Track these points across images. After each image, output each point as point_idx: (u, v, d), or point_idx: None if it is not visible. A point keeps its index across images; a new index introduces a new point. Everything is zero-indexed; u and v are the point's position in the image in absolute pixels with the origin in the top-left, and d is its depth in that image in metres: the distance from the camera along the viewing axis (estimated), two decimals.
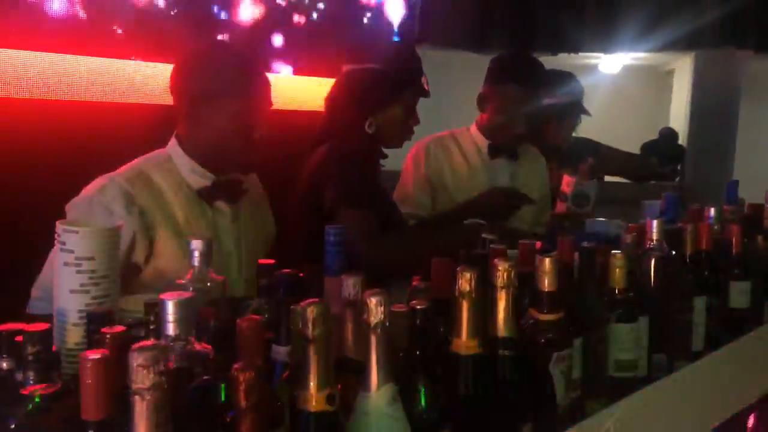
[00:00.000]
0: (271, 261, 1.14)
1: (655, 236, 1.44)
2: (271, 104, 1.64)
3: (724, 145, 7.46)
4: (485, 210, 2.11)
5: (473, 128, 2.38)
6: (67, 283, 1.05)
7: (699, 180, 7.07)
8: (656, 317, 1.40)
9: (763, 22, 7.34)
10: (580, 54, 8.19)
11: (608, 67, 8.83)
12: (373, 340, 0.87)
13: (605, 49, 8.13)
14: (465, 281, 1.00)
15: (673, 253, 1.48)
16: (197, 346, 0.77)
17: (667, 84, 8.89)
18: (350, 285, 0.96)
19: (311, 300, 0.81)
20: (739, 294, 1.67)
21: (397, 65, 2.00)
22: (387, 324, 0.87)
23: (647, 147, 7.59)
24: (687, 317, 1.48)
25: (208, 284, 1.10)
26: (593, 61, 8.73)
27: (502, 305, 1.06)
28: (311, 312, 0.80)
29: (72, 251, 1.04)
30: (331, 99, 2.02)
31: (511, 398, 1.04)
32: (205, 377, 0.72)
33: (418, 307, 0.96)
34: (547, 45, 8.07)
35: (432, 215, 2.20)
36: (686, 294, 1.49)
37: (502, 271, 1.06)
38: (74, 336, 1.05)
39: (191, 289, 1.07)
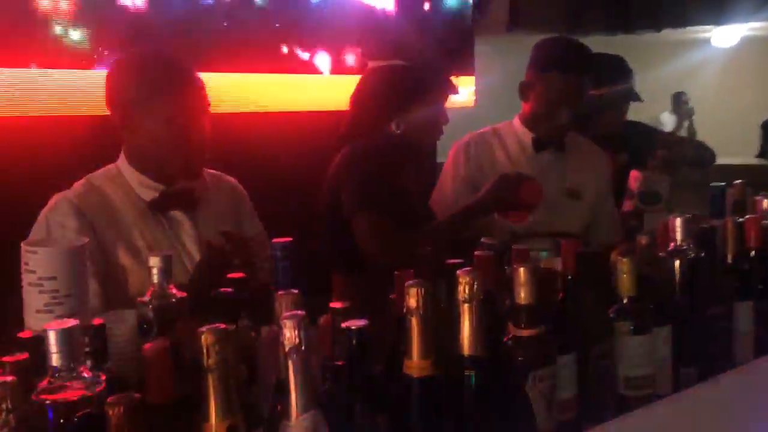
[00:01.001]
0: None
1: (678, 236, 1.28)
2: (205, 107, 1.58)
3: None
4: (496, 206, 1.93)
5: (516, 121, 2.24)
6: (32, 303, 1.07)
7: None
8: (682, 327, 1.24)
9: None
10: (688, 28, 7.66)
11: (722, 40, 8.17)
12: (290, 365, 0.81)
13: (717, 21, 7.53)
14: (412, 297, 0.92)
15: (702, 254, 1.31)
16: (87, 374, 0.75)
17: None
18: (282, 304, 0.91)
19: (213, 325, 0.77)
20: None
21: (424, 62, 1.92)
22: (304, 348, 0.81)
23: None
24: (725, 326, 1.31)
25: (172, 300, 1.09)
26: (704, 35, 8.11)
27: (465, 320, 0.97)
28: (206, 339, 0.75)
29: (34, 271, 1.06)
30: (356, 97, 1.96)
31: (476, 423, 0.95)
32: (86, 410, 0.70)
33: (353, 326, 0.89)
34: (649, 21, 7.61)
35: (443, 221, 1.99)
36: (723, 299, 1.31)
37: (464, 283, 0.97)
38: None
39: (150, 307, 1.06)
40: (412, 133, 1.90)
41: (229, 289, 1.03)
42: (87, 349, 0.90)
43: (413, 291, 0.92)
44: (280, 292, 0.92)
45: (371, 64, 1.97)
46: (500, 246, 1.25)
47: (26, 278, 1.07)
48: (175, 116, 1.52)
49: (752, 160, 7.10)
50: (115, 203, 1.55)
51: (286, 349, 0.81)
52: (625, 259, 1.17)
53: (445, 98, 1.96)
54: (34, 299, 1.06)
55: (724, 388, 1.17)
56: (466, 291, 0.97)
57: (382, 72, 1.92)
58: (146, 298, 1.08)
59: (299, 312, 0.83)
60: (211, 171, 1.74)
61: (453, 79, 1.95)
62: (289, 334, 0.81)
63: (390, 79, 1.90)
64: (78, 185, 1.57)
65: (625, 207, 2.33)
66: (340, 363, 0.91)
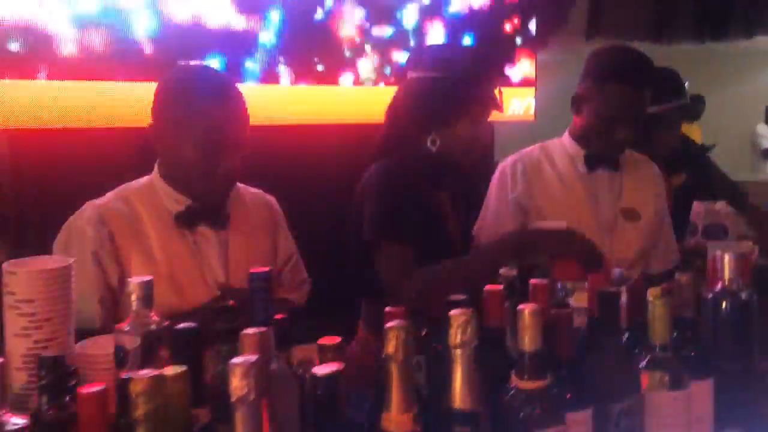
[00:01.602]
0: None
1: (727, 274, 1.12)
2: (241, 127, 1.51)
3: None
4: (519, 254, 1.59)
5: (566, 137, 2.07)
6: (10, 326, 1.02)
7: None
8: (726, 381, 1.08)
9: None
10: None
11: None
12: (238, 417, 0.72)
13: None
14: (390, 342, 0.82)
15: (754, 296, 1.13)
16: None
17: None
18: (245, 344, 0.82)
19: (146, 372, 0.69)
20: None
21: (465, 74, 1.79)
22: (254, 397, 0.72)
23: None
24: None
25: (152, 328, 1.03)
26: None
27: (457, 369, 0.86)
28: (135, 387, 0.68)
29: (13, 293, 1.02)
30: (391, 111, 1.83)
31: None
32: None
33: (319, 373, 0.80)
34: (740, 28, 7.20)
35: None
36: None
37: (455, 326, 0.86)
38: (18, 380, 1.02)
39: (127, 334, 1.00)
40: (449, 150, 1.75)
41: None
42: (43, 382, 0.85)
43: (391, 335, 0.81)
44: (245, 331, 0.84)
45: (410, 74, 1.86)
46: (517, 279, 1.12)
47: (6, 300, 1.03)
48: (205, 137, 1.47)
49: None
50: (141, 214, 1.51)
51: (233, 398, 0.72)
52: (658, 301, 1.02)
53: (488, 114, 1.82)
54: (12, 322, 1.02)
55: None
56: (458, 335, 0.86)
57: (420, 83, 1.81)
58: (124, 325, 1.02)
59: (252, 357, 0.74)
60: (252, 189, 1.70)
61: (497, 93, 1.81)
62: (236, 383, 0.72)
63: (427, 91, 1.77)
64: (110, 194, 1.55)
65: (687, 244, 2.12)
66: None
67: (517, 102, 3.40)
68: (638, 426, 1.01)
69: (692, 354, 1.07)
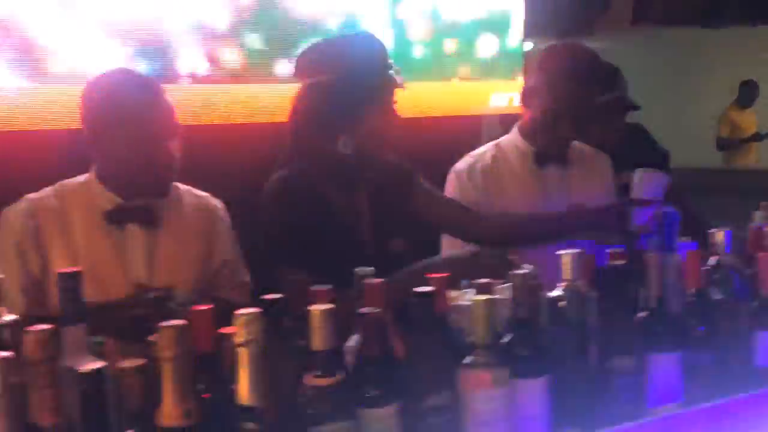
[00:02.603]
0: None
1: (567, 274, 1.11)
2: (173, 129, 1.56)
3: None
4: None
5: (515, 134, 2.06)
6: None
7: None
8: (564, 380, 1.08)
9: None
10: None
11: None
12: None
13: None
14: (163, 341, 0.87)
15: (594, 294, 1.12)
16: None
17: None
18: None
19: None
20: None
21: (361, 69, 1.68)
22: None
23: None
24: (626, 380, 1.11)
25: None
26: None
27: (242, 366, 0.90)
28: None
29: None
30: (294, 117, 1.73)
31: None
32: None
33: (83, 370, 0.85)
34: None
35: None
36: (626, 349, 1.12)
37: (239, 324, 0.90)
38: None
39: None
40: (363, 149, 1.69)
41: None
42: None
43: (162, 333, 0.87)
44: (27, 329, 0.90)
45: (306, 78, 1.73)
46: None
47: None
48: (138, 140, 1.54)
49: None
50: (71, 210, 1.59)
51: None
52: (478, 302, 1.03)
53: (392, 103, 1.72)
54: None
55: None
56: (243, 333, 0.90)
57: (319, 86, 1.69)
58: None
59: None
60: (198, 192, 1.74)
61: (394, 73, 1.71)
62: None
63: (329, 94, 1.68)
64: (47, 189, 1.64)
65: None
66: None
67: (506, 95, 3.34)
68: (453, 424, 1.02)
69: (526, 353, 1.07)
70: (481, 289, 1.10)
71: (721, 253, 1.28)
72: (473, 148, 2.14)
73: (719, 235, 1.29)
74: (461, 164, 2.05)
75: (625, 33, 7.33)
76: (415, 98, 2.93)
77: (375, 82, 1.69)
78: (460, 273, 1.35)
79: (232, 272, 1.74)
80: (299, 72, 1.76)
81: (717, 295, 1.21)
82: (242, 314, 0.90)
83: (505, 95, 3.37)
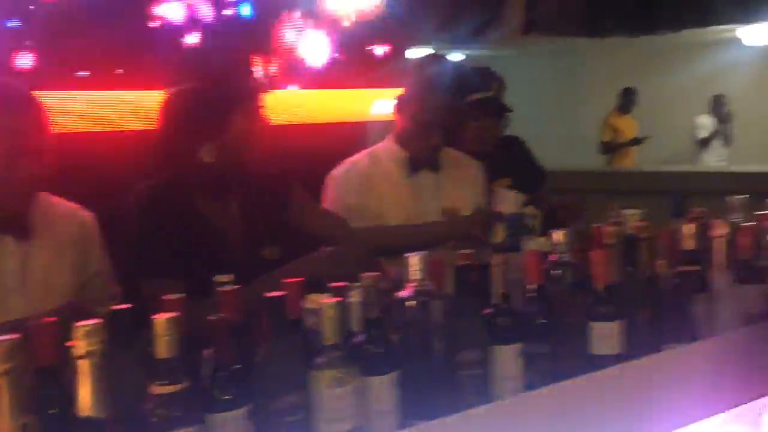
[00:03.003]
0: None
1: (416, 275, 1.18)
2: (41, 135, 1.53)
3: None
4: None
5: (389, 141, 2.14)
6: None
7: None
8: (413, 377, 1.14)
9: None
10: (713, 28, 7.29)
11: (754, 38, 7.72)
12: None
13: (741, 20, 7.14)
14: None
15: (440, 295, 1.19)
16: None
17: None
18: None
19: None
20: (601, 338, 1.32)
21: (222, 78, 1.69)
22: None
23: None
24: (472, 374, 1.19)
25: None
26: (731, 34, 7.70)
27: (83, 377, 0.91)
28: None
29: None
30: (159, 128, 1.73)
31: None
32: None
33: None
34: (670, 22, 7.31)
35: None
36: (471, 345, 1.19)
37: (79, 336, 0.91)
38: None
39: None
40: (228, 157, 1.67)
41: None
42: None
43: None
44: None
45: (170, 88, 1.74)
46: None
47: None
48: (1, 144, 1.50)
49: None
50: None
51: None
52: (327, 306, 1.08)
53: (257, 111, 1.73)
54: None
55: None
56: (81, 347, 0.91)
57: (180, 96, 1.70)
58: None
59: None
60: (67, 203, 1.70)
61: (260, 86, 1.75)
62: None
63: (190, 103, 1.68)
64: None
65: None
66: None
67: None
68: (306, 423, 1.06)
69: (374, 352, 1.13)
70: (336, 292, 1.14)
71: (560, 252, 1.38)
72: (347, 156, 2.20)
73: (558, 235, 1.39)
74: (338, 170, 2.11)
75: (517, 42, 7.66)
76: (299, 105, 2.97)
77: (236, 90, 1.69)
78: (321, 273, 1.40)
79: (102, 283, 1.72)
80: (164, 80, 1.76)
81: (555, 290, 1.31)
82: (82, 326, 0.91)
83: (389, 102, 3.45)
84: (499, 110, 2.47)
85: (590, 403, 1.22)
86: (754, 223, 1.59)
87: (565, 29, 7.70)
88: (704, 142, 7.59)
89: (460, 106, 2.09)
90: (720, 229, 1.54)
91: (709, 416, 1.31)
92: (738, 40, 7.83)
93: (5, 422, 0.86)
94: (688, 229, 1.49)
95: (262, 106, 1.74)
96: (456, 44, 7.44)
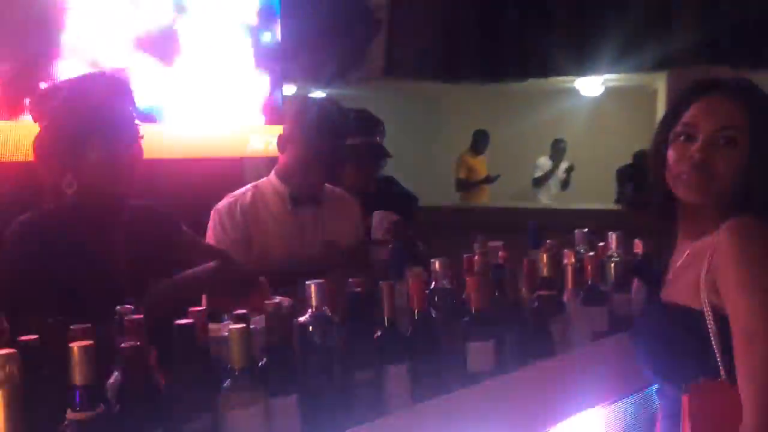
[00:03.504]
0: None
1: (313, 302, 1.28)
2: None
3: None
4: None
5: (273, 176, 2.24)
6: None
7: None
8: (313, 396, 1.23)
9: (739, 38, 7.08)
10: (552, 79, 8.04)
11: (588, 89, 8.61)
12: None
13: (577, 72, 7.95)
14: None
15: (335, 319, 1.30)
16: None
17: (652, 104, 8.62)
18: None
19: None
20: (477, 355, 1.47)
21: (87, 113, 1.66)
22: None
23: (621, 172, 7.31)
24: (368, 391, 1.30)
25: None
26: (570, 85, 8.53)
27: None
28: None
29: None
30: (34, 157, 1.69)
31: None
32: None
33: None
34: (516, 71, 7.96)
35: None
36: (367, 363, 1.31)
37: None
38: None
39: None
40: (88, 189, 1.65)
41: None
42: None
43: None
44: None
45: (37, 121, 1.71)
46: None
47: None
48: None
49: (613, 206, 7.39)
50: None
51: None
52: (235, 332, 1.15)
53: (117, 141, 1.68)
54: None
55: None
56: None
57: (42, 129, 1.68)
58: None
59: None
60: None
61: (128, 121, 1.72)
62: None
63: (48, 135, 1.67)
64: None
65: None
66: None
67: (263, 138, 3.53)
68: None
69: (278, 375, 1.21)
70: (238, 319, 1.21)
71: (438, 279, 1.54)
72: (232, 188, 2.27)
73: (437, 264, 1.55)
74: (222, 204, 2.17)
75: (378, 83, 8.01)
76: (174, 139, 2.98)
77: (98, 122, 1.67)
78: (204, 288, 1.47)
79: None
80: (32, 112, 1.74)
81: (436, 314, 1.46)
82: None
83: (263, 138, 3.54)
84: (381, 154, 2.64)
85: (470, 412, 1.38)
86: (595, 253, 1.84)
87: (422, 73, 8.17)
88: (537, 181, 8.24)
89: (343, 147, 2.22)
90: (569, 258, 1.77)
91: (569, 417, 1.51)
92: (576, 90, 8.68)
93: None
94: (544, 258, 1.70)
95: (128, 138, 1.72)
96: (318, 83, 7.67)
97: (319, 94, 7.54)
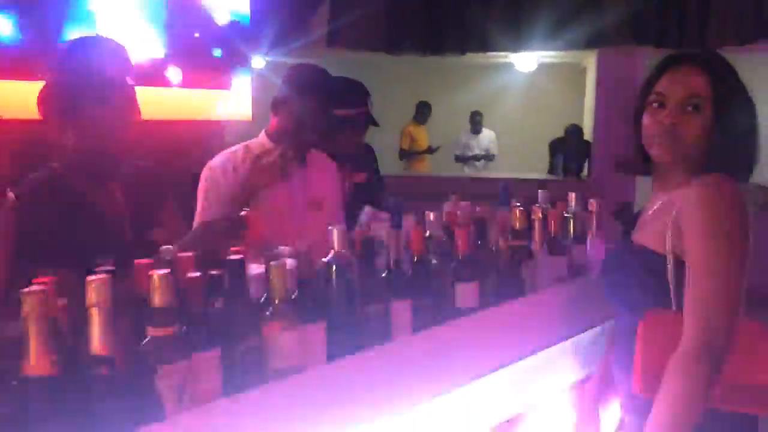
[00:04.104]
0: None
1: (336, 245, 1.48)
2: None
3: (626, 139, 7.61)
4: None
5: (263, 137, 2.39)
6: None
7: (607, 175, 7.17)
8: (333, 323, 1.43)
9: (662, 19, 7.53)
10: (492, 53, 8.32)
11: (523, 65, 8.95)
12: None
13: (513, 48, 8.26)
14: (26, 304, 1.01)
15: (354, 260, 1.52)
16: None
17: (582, 81, 9.05)
18: None
19: None
20: (464, 295, 1.71)
21: (95, 74, 1.83)
22: None
23: (554, 144, 7.72)
24: (378, 322, 1.52)
25: None
26: (507, 60, 8.84)
27: (94, 324, 1.08)
28: None
29: None
30: (40, 116, 1.81)
31: (99, 416, 1.06)
32: None
33: None
34: (455, 45, 8.20)
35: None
36: (377, 299, 1.52)
37: (91, 289, 1.08)
38: None
39: None
40: (89, 142, 1.79)
41: None
42: None
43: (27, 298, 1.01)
44: None
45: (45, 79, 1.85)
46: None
47: None
48: None
49: (546, 176, 7.80)
50: None
51: None
52: (274, 269, 1.34)
53: (115, 103, 1.81)
54: None
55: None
56: (94, 296, 1.08)
57: (47, 87, 1.81)
58: None
59: None
60: None
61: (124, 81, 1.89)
62: None
63: (53, 93, 1.80)
64: None
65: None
66: None
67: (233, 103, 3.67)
68: (262, 360, 1.31)
69: (308, 305, 1.41)
70: (277, 261, 1.39)
71: (431, 229, 1.77)
72: (213, 150, 2.41)
73: (431, 215, 1.77)
74: (216, 161, 2.32)
75: (321, 54, 8.10)
76: (158, 102, 3.07)
77: (104, 81, 1.81)
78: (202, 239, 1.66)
79: None
80: (41, 71, 1.85)
81: (431, 258, 1.69)
82: (92, 280, 1.08)
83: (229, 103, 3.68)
84: (371, 123, 2.84)
85: (458, 341, 1.62)
86: (555, 211, 2.10)
87: (364, 44, 8.32)
88: (459, 159, 8.43)
89: (332, 112, 2.39)
90: (536, 214, 2.03)
91: (542, 349, 1.78)
92: (512, 65, 9.01)
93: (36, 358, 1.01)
94: (516, 213, 1.95)
95: (130, 99, 1.87)
96: (258, 50, 7.69)
97: (258, 61, 7.58)
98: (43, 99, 1.80)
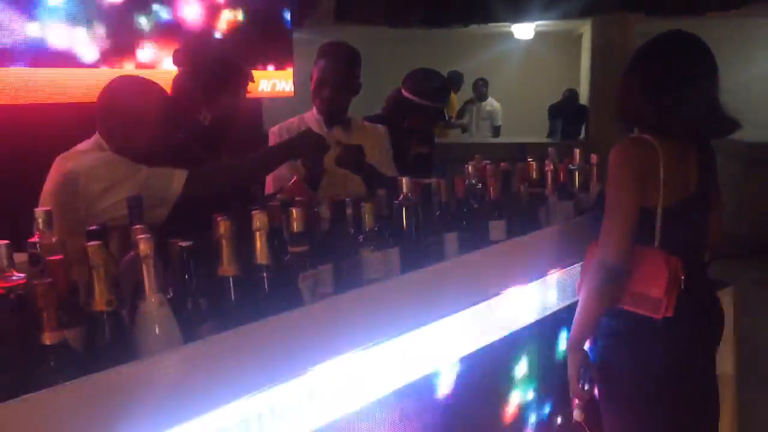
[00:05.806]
0: None
1: (404, 190, 1.99)
2: None
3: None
4: (298, 149, 2.39)
5: (313, 109, 2.92)
6: None
7: (603, 136, 7.66)
8: (407, 249, 1.95)
9: None
10: (491, 25, 8.74)
11: (522, 33, 9.37)
12: (145, 268, 1.39)
13: (513, 19, 8.68)
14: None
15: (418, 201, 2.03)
16: None
17: (578, 48, 9.47)
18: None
19: None
20: (495, 230, 2.23)
21: (213, 62, 2.40)
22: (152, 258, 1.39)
23: (553, 109, 8.19)
24: (438, 248, 2.04)
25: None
26: (506, 29, 9.25)
27: (258, 242, 1.59)
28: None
29: None
30: (173, 99, 2.28)
31: (264, 305, 1.57)
32: None
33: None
34: (458, 17, 8.62)
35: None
36: (435, 231, 2.04)
37: (256, 219, 1.58)
38: None
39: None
40: (219, 121, 2.36)
41: None
42: None
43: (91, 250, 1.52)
44: None
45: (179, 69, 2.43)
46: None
47: None
48: None
49: (545, 140, 8.29)
50: None
51: (142, 257, 1.38)
52: (367, 204, 1.85)
53: (242, 88, 2.43)
54: None
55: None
56: (258, 222, 1.59)
57: (184, 75, 2.37)
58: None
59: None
60: None
61: (248, 70, 2.46)
62: (144, 246, 1.38)
63: (188, 80, 2.35)
64: None
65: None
66: None
67: (280, 82, 4.16)
68: (360, 274, 1.83)
69: (390, 235, 1.92)
70: (364, 199, 1.90)
71: (469, 178, 2.28)
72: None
73: (470, 167, 2.28)
74: (275, 127, 2.87)
75: (330, 28, 8.51)
76: None
77: (230, 68, 2.40)
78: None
79: None
80: (174, 60, 2.37)
81: (469, 201, 2.20)
82: (256, 212, 1.59)
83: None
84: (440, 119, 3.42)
85: (491, 263, 2.13)
86: (563, 164, 2.61)
87: (370, 19, 8.74)
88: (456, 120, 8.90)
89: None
90: (549, 167, 2.54)
91: (553, 271, 2.30)
92: (511, 34, 9.41)
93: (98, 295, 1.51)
94: (533, 165, 2.46)
95: (246, 83, 2.43)
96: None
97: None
98: (180, 84, 2.32)
